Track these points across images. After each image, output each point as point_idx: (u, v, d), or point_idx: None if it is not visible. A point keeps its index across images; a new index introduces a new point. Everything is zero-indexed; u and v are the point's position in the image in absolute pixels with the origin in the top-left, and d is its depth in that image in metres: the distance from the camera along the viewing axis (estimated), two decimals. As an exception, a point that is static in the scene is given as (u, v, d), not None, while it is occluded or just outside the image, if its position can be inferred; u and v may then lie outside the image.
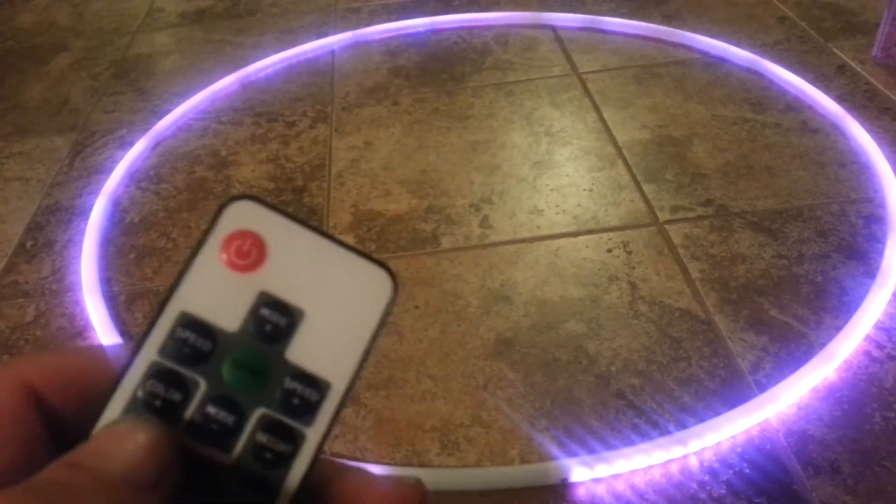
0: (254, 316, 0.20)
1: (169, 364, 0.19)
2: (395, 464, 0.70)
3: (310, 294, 0.20)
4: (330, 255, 0.20)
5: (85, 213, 1.08)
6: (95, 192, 1.11)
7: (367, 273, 0.20)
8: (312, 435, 0.19)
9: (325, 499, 0.20)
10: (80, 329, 0.89)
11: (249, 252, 0.20)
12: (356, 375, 0.20)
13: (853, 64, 1.24)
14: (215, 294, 0.20)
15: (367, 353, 0.20)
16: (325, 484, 0.20)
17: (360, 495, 0.20)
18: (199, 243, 0.20)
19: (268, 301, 0.20)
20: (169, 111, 1.29)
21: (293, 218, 0.20)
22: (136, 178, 1.16)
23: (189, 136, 1.24)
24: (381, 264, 0.20)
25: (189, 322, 0.20)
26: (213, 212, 0.20)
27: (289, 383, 0.19)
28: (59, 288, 0.96)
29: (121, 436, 0.18)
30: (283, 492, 0.19)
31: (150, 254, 1.00)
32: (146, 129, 1.25)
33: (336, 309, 0.20)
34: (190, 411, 0.19)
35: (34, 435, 0.18)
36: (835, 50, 1.29)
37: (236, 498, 0.19)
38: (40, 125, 1.32)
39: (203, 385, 0.19)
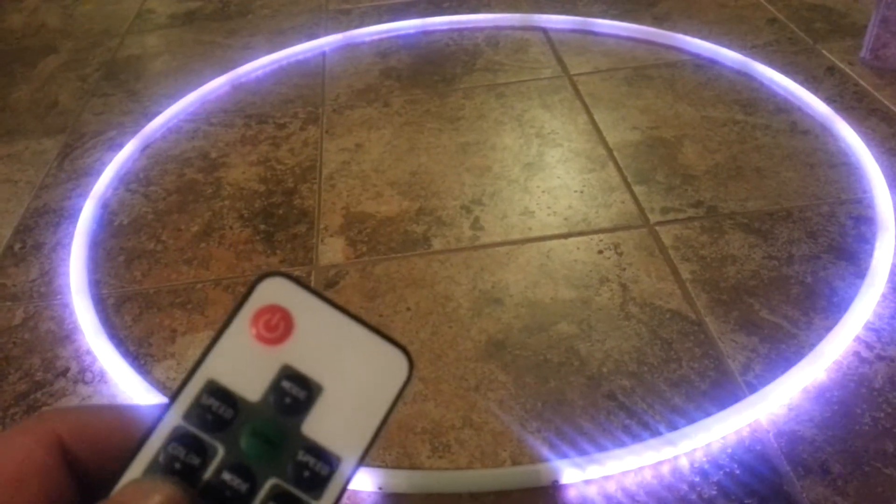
0: (275, 388, 0.21)
1: (192, 429, 0.20)
2: (386, 466, 0.70)
3: (330, 370, 0.21)
4: (352, 333, 0.22)
5: (74, 216, 1.07)
6: (84, 195, 1.11)
7: (386, 353, 0.21)
8: None
9: None
10: (69, 332, 0.88)
11: (277, 326, 0.21)
12: (367, 452, 0.21)
13: (842, 65, 1.25)
14: (241, 364, 0.21)
15: (378, 432, 0.21)
16: None
17: None
18: (232, 314, 0.21)
19: (290, 374, 0.21)
20: (159, 113, 1.29)
21: (320, 296, 0.22)
22: (125, 180, 1.15)
23: (179, 137, 1.24)
24: (400, 346, 0.22)
25: (215, 390, 0.21)
26: (247, 285, 0.22)
27: (302, 456, 0.20)
28: (47, 291, 0.95)
29: (140, 494, 0.19)
30: None
31: (139, 256, 0.99)
32: (136, 131, 1.24)
33: (353, 386, 0.21)
34: (207, 476, 0.20)
35: (62, 489, 0.19)
36: (824, 52, 1.30)
37: None
38: (29, 127, 1.32)
39: (221, 451, 0.20)
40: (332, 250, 0.97)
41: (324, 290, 0.90)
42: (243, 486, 0.20)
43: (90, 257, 1.00)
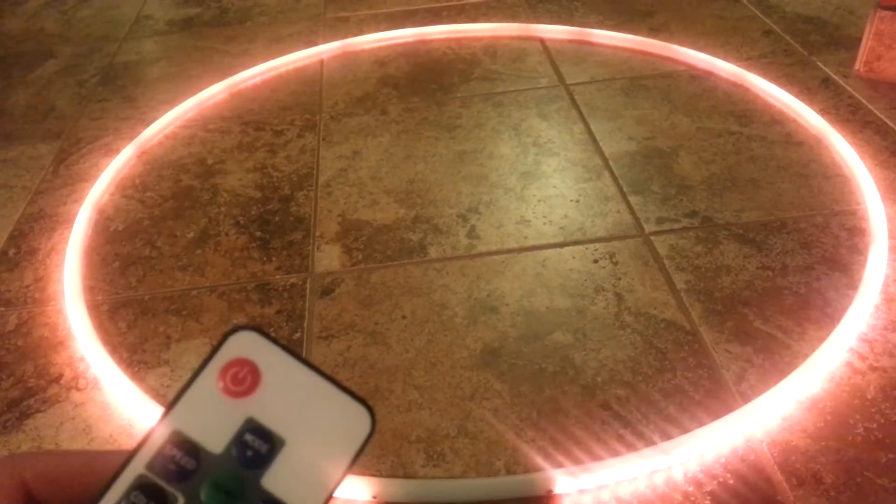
0: (238, 440, 0.21)
1: (154, 478, 0.21)
2: (381, 475, 0.70)
3: (293, 424, 0.22)
4: (317, 389, 0.22)
5: (69, 221, 1.07)
6: (80, 200, 1.11)
7: (349, 409, 0.22)
8: None
9: None
10: (63, 338, 0.88)
11: (244, 379, 0.22)
12: None
13: (837, 78, 1.26)
14: (207, 416, 0.21)
15: (336, 486, 0.21)
16: None
17: None
18: (201, 366, 0.22)
19: (253, 427, 0.21)
20: (156, 119, 1.29)
21: (290, 352, 0.22)
22: (121, 185, 1.15)
23: (176, 144, 1.24)
24: (364, 402, 0.22)
25: (179, 441, 0.21)
26: (218, 338, 0.22)
27: None
28: (41, 297, 0.95)
29: None
30: None
31: (134, 262, 0.99)
32: (132, 137, 1.24)
33: (315, 441, 0.22)
34: None
35: None
36: (819, 64, 1.30)
37: None
38: (25, 132, 1.31)
39: (181, 501, 0.21)
40: (328, 258, 0.97)
41: (319, 297, 0.91)
42: None
43: (85, 263, 0.99)
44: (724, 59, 1.31)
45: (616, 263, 0.92)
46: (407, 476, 0.70)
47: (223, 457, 0.21)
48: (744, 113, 1.19)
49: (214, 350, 0.22)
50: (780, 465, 0.68)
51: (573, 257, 0.93)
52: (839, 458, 0.68)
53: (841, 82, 1.25)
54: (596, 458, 0.70)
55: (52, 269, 0.99)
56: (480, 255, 0.95)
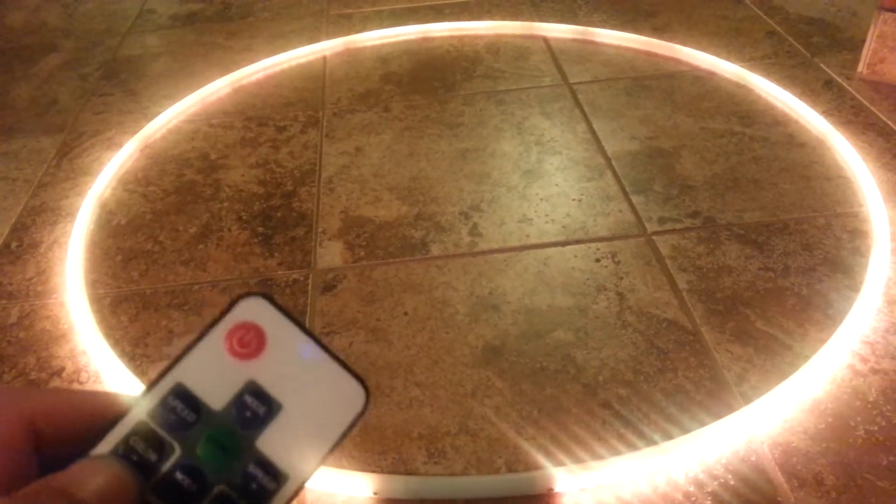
0: (238, 400, 0.22)
1: (154, 426, 0.21)
2: (382, 471, 0.70)
3: (291, 392, 0.22)
4: (318, 360, 0.23)
5: (71, 215, 1.07)
6: (82, 194, 1.11)
7: (346, 384, 0.23)
8: None
9: None
10: (64, 331, 0.88)
11: (250, 343, 0.23)
12: (312, 474, 0.22)
13: (839, 79, 1.26)
14: (210, 373, 0.22)
15: (326, 456, 0.22)
16: None
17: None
18: (210, 325, 0.23)
19: (253, 390, 0.22)
20: (158, 113, 1.29)
21: (296, 321, 0.23)
22: (123, 180, 1.15)
23: (178, 138, 1.24)
24: (360, 379, 0.23)
25: (181, 393, 0.22)
26: (228, 301, 0.23)
27: (252, 469, 0.21)
28: (43, 290, 0.95)
29: (89, 471, 0.20)
30: None
31: (136, 256, 0.99)
32: (135, 131, 1.24)
33: (311, 411, 0.22)
34: (161, 472, 0.21)
35: (24, 465, 0.20)
36: (822, 65, 1.30)
37: None
38: (28, 125, 1.31)
39: (178, 451, 0.21)
40: (330, 254, 0.97)
41: (321, 293, 0.91)
42: (193, 488, 0.21)
43: (87, 257, 0.99)
44: (727, 59, 1.31)
45: (618, 263, 0.92)
46: (408, 472, 0.70)
47: (222, 414, 0.22)
48: (746, 114, 1.19)
49: (224, 312, 0.23)
50: (781, 466, 0.68)
51: (575, 256, 0.93)
52: (840, 460, 0.68)
53: (844, 84, 1.25)
54: (597, 456, 0.70)
55: (54, 262, 0.99)
56: (482, 252, 0.95)
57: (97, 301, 0.92)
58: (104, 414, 0.22)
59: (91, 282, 0.95)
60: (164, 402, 0.22)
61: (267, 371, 0.22)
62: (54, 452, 0.21)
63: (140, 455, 0.21)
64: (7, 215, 1.09)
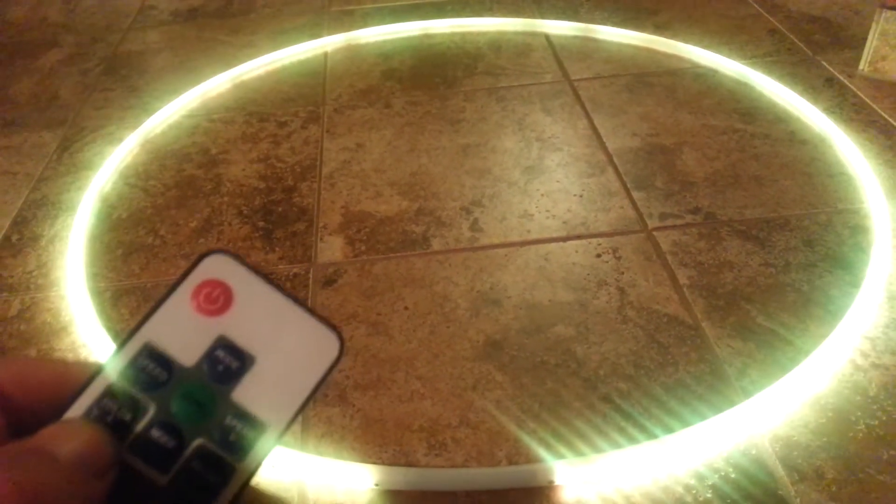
0: (209, 356, 0.22)
1: (126, 386, 0.21)
2: (383, 463, 0.70)
3: (263, 344, 0.22)
4: (288, 312, 0.23)
5: (72, 209, 1.07)
6: (83, 188, 1.11)
7: (320, 334, 0.23)
8: (242, 470, 0.21)
9: None
10: (65, 324, 0.88)
11: (217, 299, 0.22)
12: (291, 422, 0.22)
13: (841, 77, 1.26)
14: (179, 331, 0.22)
15: (304, 405, 0.22)
16: None
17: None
18: (174, 285, 0.23)
19: (224, 344, 0.22)
20: (159, 108, 1.29)
21: (262, 276, 0.23)
22: (124, 174, 1.15)
23: (179, 133, 1.24)
24: (334, 328, 0.23)
25: (151, 352, 0.22)
26: (192, 259, 0.23)
27: (229, 420, 0.21)
28: (44, 283, 0.95)
29: (68, 430, 0.20)
30: None
31: (137, 250, 0.99)
32: (136, 126, 1.24)
33: (284, 361, 0.22)
34: (136, 431, 0.21)
35: None
36: (823, 63, 1.31)
37: None
38: (29, 119, 1.31)
39: (152, 410, 0.21)
40: (330, 248, 0.97)
41: (322, 287, 0.91)
42: (170, 444, 0.21)
43: (88, 250, 0.99)
44: (729, 57, 1.31)
45: (619, 258, 0.92)
46: (409, 464, 0.70)
47: (194, 370, 0.22)
48: (748, 111, 1.19)
49: (188, 270, 0.23)
50: (782, 460, 0.68)
51: (576, 251, 0.93)
52: (841, 454, 0.68)
53: (845, 82, 1.25)
54: (598, 450, 0.70)
55: (55, 255, 0.99)
56: (483, 247, 0.95)
57: (98, 294, 0.92)
58: (74, 380, 0.21)
59: (92, 275, 0.95)
60: (134, 363, 0.22)
61: (236, 326, 0.22)
62: (25, 421, 0.21)
63: (114, 416, 0.21)
64: (8, 209, 1.09)
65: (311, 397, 0.22)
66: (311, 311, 0.23)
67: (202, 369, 0.22)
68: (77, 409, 0.21)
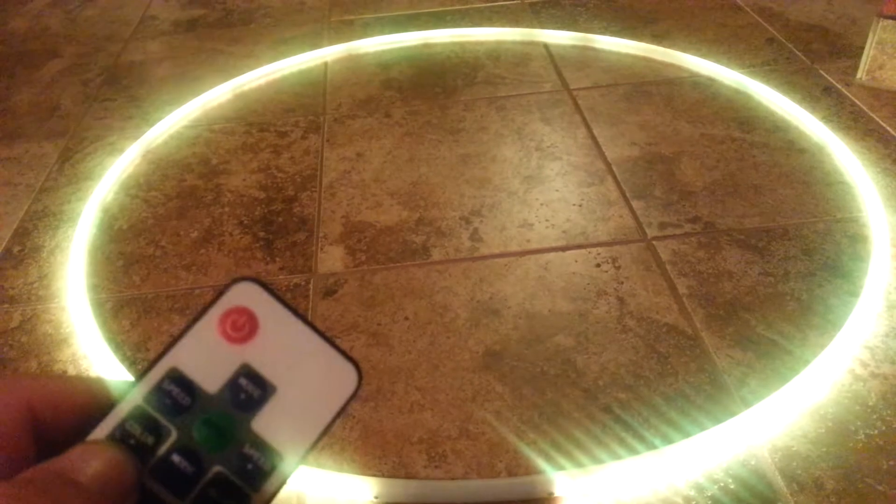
0: (233, 383, 0.22)
1: (150, 410, 0.22)
2: (383, 475, 0.70)
3: (285, 374, 0.23)
4: (310, 343, 0.23)
5: (73, 220, 1.07)
6: (84, 199, 1.11)
7: (339, 365, 0.23)
8: (257, 499, 0.21)
9: None
10: (66, 336, 0.88)
11: (243, 327, 0.23)
12: (307, 453, 0.22)
13: (839, 86, 1.26)
14: (205, 358, 0.23)
15: (321, 436, 0.22)
16: None
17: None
18: (202, 311, 0.23)
19: (248, 372, 0.22)
20: (160, 119, 1.29)
21: (288, 305, 0.23)
22: (125, 185, 1.15)
23: (180, 143, 1.24)
24: (352, 360, 0.23)
25: (176, 377, 0.22)
26: (222, 286, 0.23)
27: (248, 449, 0.22)
28: (45, 294, 0.95)
29: (87, 455, 0.20)
30: None
31: (138, 261, 0.99)
32: (137, 137, 1.25)
33: (305, 392, 0.23)
34: (157, 455, 0.21)
35: (23, 449, 0.21)
36: (821, 72, 1.31)
37: None
38: (30, 130, 1.32)
39: (174, 435, 0.22)
40: (331, 258, 0.97)
41: (322, 298, 0.91)
42: (190, 469, 0.21)
43: (89, 261, 1.00)
44: (727, 66, 1.32)
45: (618, 268, 0.92)
46: (408, 476, 0.70)
47: (217, 397, 0.22)
48: (746, 120, 1.19)
49: (217, 297, 0.23)
50: (782, 471, 0.68)
51: (575, 261, 0.94)
52: (840, 464, 0.68)
53: (843, 90, 1.25)
54: (597, 461, 0.70)
55: (56, 266, 0.99)
56: (483, 257, 0.95)
57: (99, 305, 0.92)
58: (100, 400, 0.22)
59: (93, 286, 0.95)
60: (159, 387, 0.22)
61: (260, 354, 0.23)
62: (51, 438, 0.21)
63: (137, 439, 0.21)
64: (9, 220, 1.09)
65: (328, 429, 0.22)
66: (332, 343, 0.23)
67: (225, 396, 0.22)
68: (102, 430, 0.21)
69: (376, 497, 0.68)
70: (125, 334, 0.88)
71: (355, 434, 0.74)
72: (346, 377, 0.23)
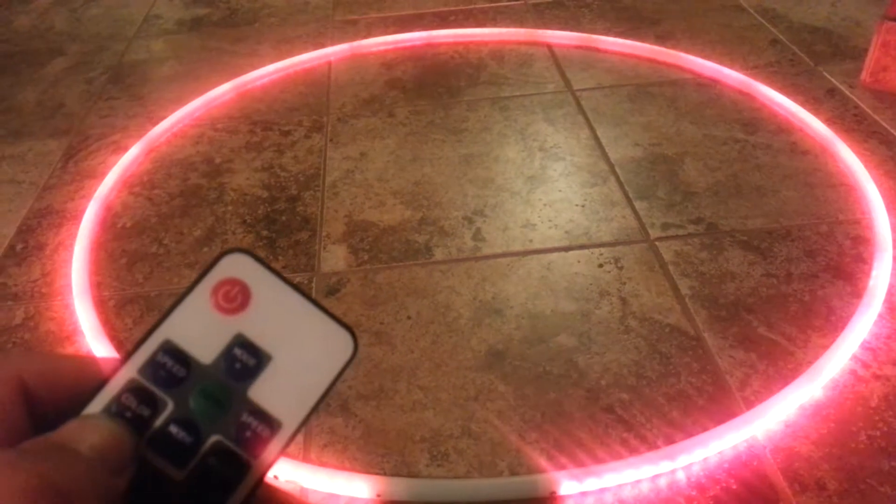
0: (227, 353, 0.22)
1: (145, 383, 0.22)
2: (384, 474, 0.70)
3: (280, 342, 0.23)
4: (304, 311, 0.23)
5: (77, 217, 1.07)
6: (88, 197, 1.11)
7: (334, 333, 0.23)
8: (257, 466, 0.22)
9: None
10: (69, 333, 0.89)
11: (235, 298, 0.23)
12: (306, 420, 0.22)
13: (843, 88, 1.26)
14: (198, 329, 0.23)
15: (319, 403, 0.22)
16: None
17: None
18: (194, 282, 0.23)
19: (242, 342, 0.22)
20: (164, 117, 1.29)
21: (279, 275, 0.23)
22: (128, 183, 1.15)
23: (184, 142, 1.25)
24: (347, 327, 0.23)
25: (170, 349, 0.22)
26: (211, 257, 0.23)
27: (245, 417, 0.22)
28: (48, 291, 0.95)
29: (88, 426, 0.20)
30: None
31: (141, 259, 0.99)
32: (140, 135, 1.25)
33: (300, 359, 0.23)
34: (155, 427, 0.21)
35: (18, 425, 0.20)
36: (825, 73, 1.31)
37: None
38: (34, 128, 1.32)
39: (171, 406, 0.22)
40: (334, 258, 0.97)
41: (325, 296, 0.91)
42: (188, 440, 0.21)
43: (92, 259, 1.00)
44: (731, 67, 1.32)
45: (621, 268, 0.92)
46: (411, 475, 0.70)
47: (212, 368, 0.22)
48: (750, 121, 1.19)
49: (207, 269, 0.23)
50: (784, 471, 0.68)
51: (578, 261, 0.94)
52: (842, 465, 0.68)
53: (847, 92, 1.25)
54: (599, 460, 0.70)
55: (59, 264, 1.00)
56: (486, 257, 0.96)
57: (102, 303, 0.92)
58: (94, 375, 0.22)
59: (96, 284, 0.96)
60: (153, 360, 0.22)
61: (254, 324, 0.23)
62: (44, 414, 0.21)
63: (133, 411, 0.21)
64: (13, 217, 1.10)
65: (325, 396, 0.22)
66: (326, 311, 0.23)
67: (220, 366, 0.22)
68: (97, 405, 0.21)
69: (378, 495, 0.68)
70: (128, 332, 0.88)
71: (357, 432, 0.74)
72: (341, 344, 0.23)
